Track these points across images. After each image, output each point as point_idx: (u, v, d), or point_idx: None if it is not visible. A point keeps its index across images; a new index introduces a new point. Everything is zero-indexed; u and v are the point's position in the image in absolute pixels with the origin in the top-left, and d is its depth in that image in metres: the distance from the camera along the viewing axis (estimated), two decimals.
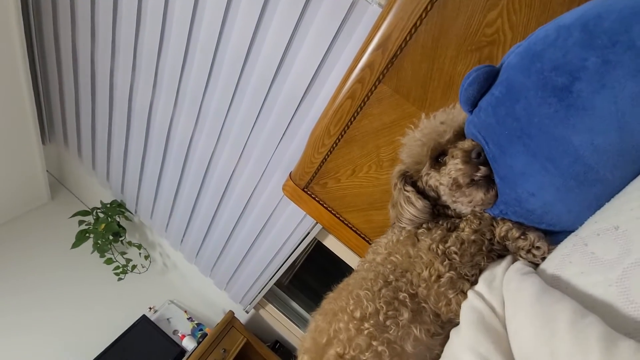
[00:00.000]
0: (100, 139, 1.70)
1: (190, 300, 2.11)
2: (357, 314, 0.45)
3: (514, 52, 0.41)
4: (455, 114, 0.50)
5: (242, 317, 1.93)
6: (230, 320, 1.78)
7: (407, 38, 0.79)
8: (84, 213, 1.94)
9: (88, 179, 2.05)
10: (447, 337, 0.45)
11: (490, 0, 0.70)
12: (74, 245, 1.88)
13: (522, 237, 0.44)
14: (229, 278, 1.78)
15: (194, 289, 2.12)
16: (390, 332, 0.43)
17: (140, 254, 2.06)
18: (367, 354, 0.42)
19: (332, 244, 1.35)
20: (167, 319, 1.96)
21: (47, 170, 2.02)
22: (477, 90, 0.42)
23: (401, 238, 0.52)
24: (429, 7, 0.75)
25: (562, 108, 0.35)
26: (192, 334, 1.85)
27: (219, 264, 1.78)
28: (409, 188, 0.52)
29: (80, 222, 1.91)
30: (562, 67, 0.35)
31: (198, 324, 1.91)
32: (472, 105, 0.44)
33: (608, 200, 0.37)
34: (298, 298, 1.95)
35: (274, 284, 1.69)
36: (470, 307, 0.40)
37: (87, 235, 1.89)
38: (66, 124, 1.80)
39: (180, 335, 1.85)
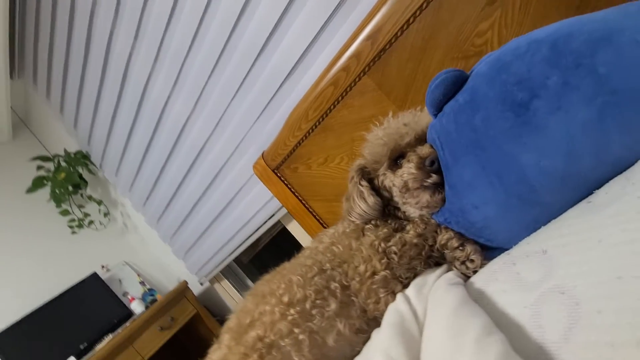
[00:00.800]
0: (72, 82, 1.60)
1: (146, 264, 2.06)
2: (285, 299, 0.44)
3: (485, 60, 0.40)
4: (421, 117, 0.49)
5: (196, 288, 1.91)
6: (183, 290, 1.75)
7: (398, 34, 0.77)
8: (45, 159, 1.83)
9: (54, 123, 1.93)
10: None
11: (485, 11, 0.69)
12: (30, 190, 1.79)
13: (460, 248, 0.44)
14: (188, 248, 1.74)
15: (151, 254, 2.07)
16: (314, 321, 0.43)
17: (100, 210, 1.98)
18: (286, 340, 0.41)
19: (295, 229, 1.34)
20: (119, 279, 1.91)
21: (11, 107, 1.88)
22: (443, 94, 0.41)
23: (347, 230, 0.51)
24: (424, 6, 0.72)
25: (517, 124, 0.35)
26: (142, 298, 1.81)
27: (180, 232, 1.74)
28: (364, 183, 0.52)
29: (39, 168, 1.81)
30: (524, 82, 0.34)
31: (150, 289, 1.88)
32: (437, 108, 0.43)
33: (545, 224, 0.37)
34: (256, 278, 1.93)
35: (233, 260, 1.68)
36: (394, 310, 0.40)
37: (45, 182, 1.80)
38: (37, 61, 1.68)
39: (130, 297, 1.81)
